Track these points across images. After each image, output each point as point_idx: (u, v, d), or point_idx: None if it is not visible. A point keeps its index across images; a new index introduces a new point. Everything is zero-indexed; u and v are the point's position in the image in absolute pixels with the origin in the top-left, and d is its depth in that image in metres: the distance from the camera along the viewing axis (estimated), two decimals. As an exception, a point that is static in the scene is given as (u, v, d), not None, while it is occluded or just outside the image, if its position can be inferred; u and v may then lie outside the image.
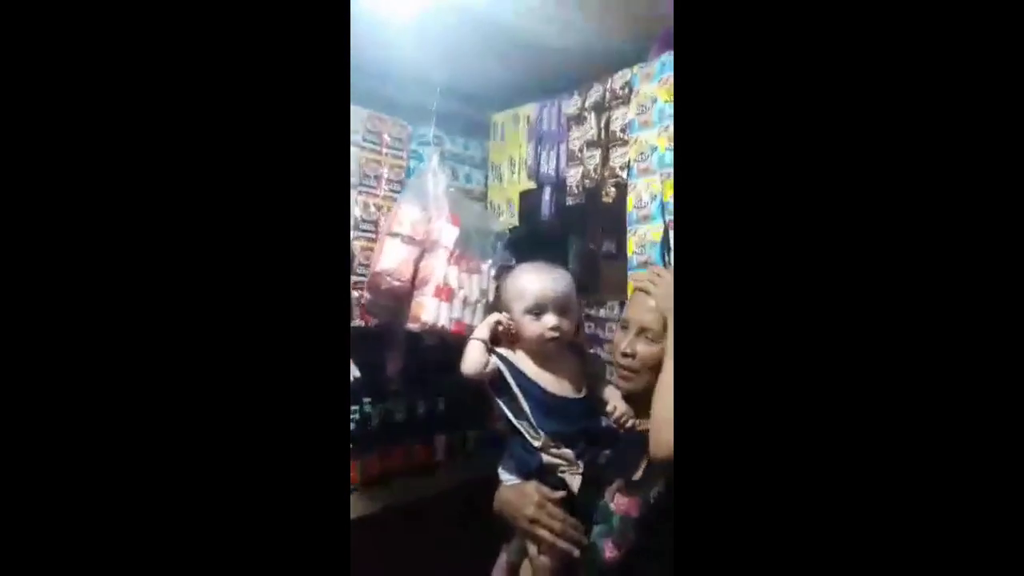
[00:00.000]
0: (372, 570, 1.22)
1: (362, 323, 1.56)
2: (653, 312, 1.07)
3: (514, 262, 1.45)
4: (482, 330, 1.19)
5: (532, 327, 1.15)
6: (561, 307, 1.15)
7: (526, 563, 1.11)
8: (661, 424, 0.91)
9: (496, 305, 1.28)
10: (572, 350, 1.23)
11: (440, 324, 1.38)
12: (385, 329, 1.64)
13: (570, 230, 2.07)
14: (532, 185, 1.80)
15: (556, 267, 1.23)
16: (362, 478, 1.69)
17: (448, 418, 1.94)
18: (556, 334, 1.14)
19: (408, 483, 1.76)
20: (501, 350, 1.18)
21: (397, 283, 1.41)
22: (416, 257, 1.43)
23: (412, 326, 1.41)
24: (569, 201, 1.69)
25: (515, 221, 1.87)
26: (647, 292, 1.09)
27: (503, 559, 1.21)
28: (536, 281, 1.16)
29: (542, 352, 1.16)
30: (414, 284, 1.42)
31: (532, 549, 1.08)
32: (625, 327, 1.11)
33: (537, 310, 1.14)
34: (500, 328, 1.18)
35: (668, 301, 1.04)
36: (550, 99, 1.71)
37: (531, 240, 1.96)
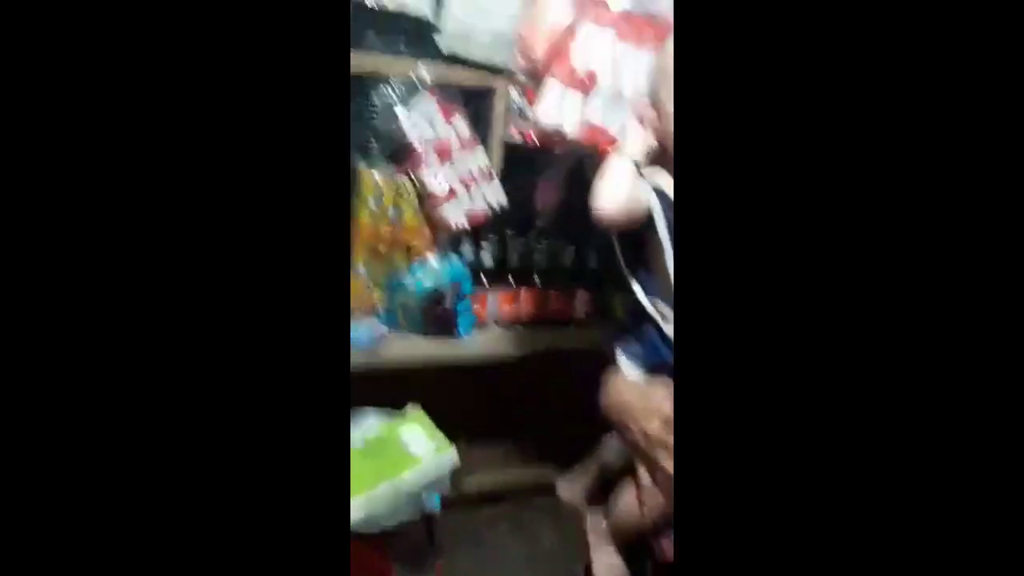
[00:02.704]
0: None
1: (520, 138, 1.31)
2: None
3: None
4: (634, 141, 0.73)
5: None
6: None
7: (629, 489, 0.83)
8: None
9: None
10: None
11: (564, 128, 0.85)
12: (540, 151, 1.34)
13: None
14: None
15: None
16: (499, 313, 1.52)
17: (597, 273, 1.61)
18: None
19: (536, 331, 1.52)
20: (661, 178, 0.73)
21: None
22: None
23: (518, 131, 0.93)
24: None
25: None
26: None
27: (595, 460, 0.95)
28: None
29: None
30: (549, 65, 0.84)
31: (643, 475, 0.80)
32: None
33: None
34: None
35: None
36: None
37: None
